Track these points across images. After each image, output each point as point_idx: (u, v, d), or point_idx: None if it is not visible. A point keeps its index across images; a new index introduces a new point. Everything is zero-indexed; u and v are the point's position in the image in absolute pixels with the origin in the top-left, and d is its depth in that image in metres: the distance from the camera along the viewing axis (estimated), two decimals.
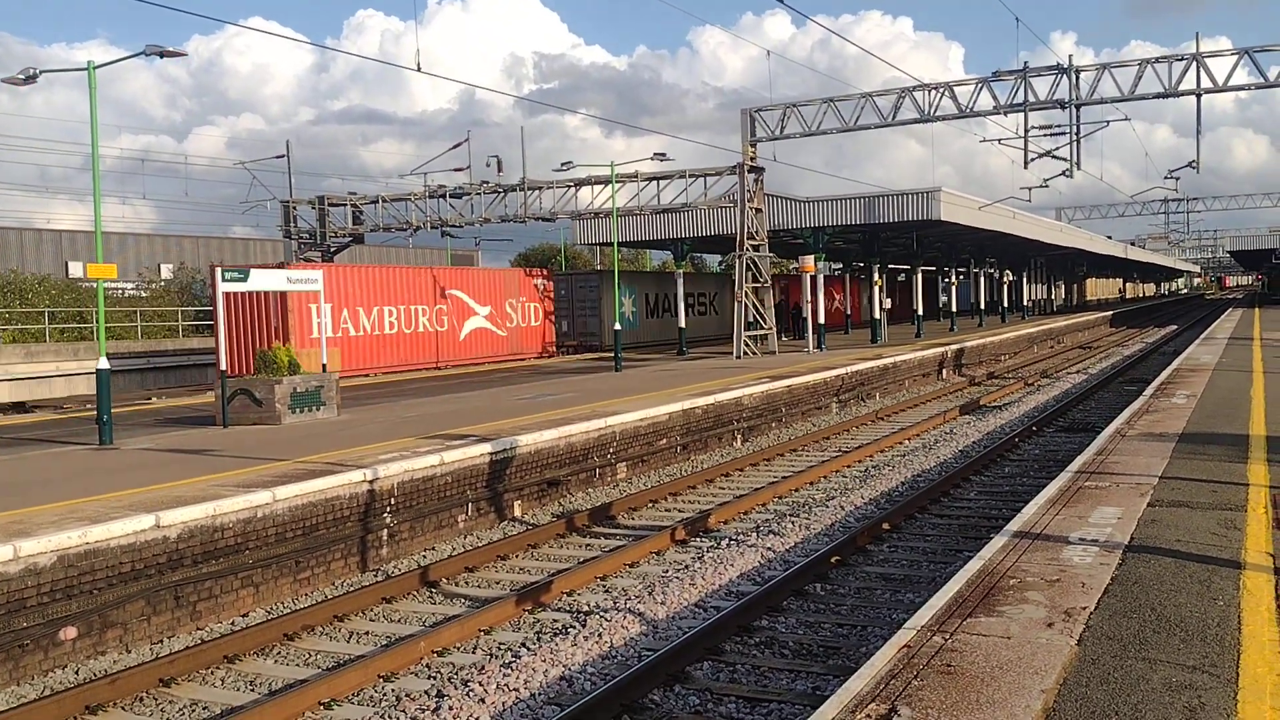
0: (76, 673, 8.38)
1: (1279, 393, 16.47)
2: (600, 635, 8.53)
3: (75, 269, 50.00)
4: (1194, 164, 29.30)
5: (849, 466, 16.59)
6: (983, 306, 54.20)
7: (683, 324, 37.66)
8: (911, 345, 33.42)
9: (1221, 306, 78.68)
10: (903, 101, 29.54)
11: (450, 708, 7.21)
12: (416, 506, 12.02)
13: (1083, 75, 27.53)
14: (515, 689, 7.52)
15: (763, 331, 32.41)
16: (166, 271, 55.33)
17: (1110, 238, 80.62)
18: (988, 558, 7.13)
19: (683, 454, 17.55)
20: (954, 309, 50.15)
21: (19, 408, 26.94)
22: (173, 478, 11.31)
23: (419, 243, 61.32)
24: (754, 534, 11.91)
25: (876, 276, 39.55)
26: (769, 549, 11.17)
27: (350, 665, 8.17)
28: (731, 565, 10.54)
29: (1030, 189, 35.12)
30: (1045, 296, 78.74)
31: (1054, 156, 28.58)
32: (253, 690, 8.04)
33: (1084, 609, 5.92)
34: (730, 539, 11.79)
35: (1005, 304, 59.62)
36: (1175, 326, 59.80)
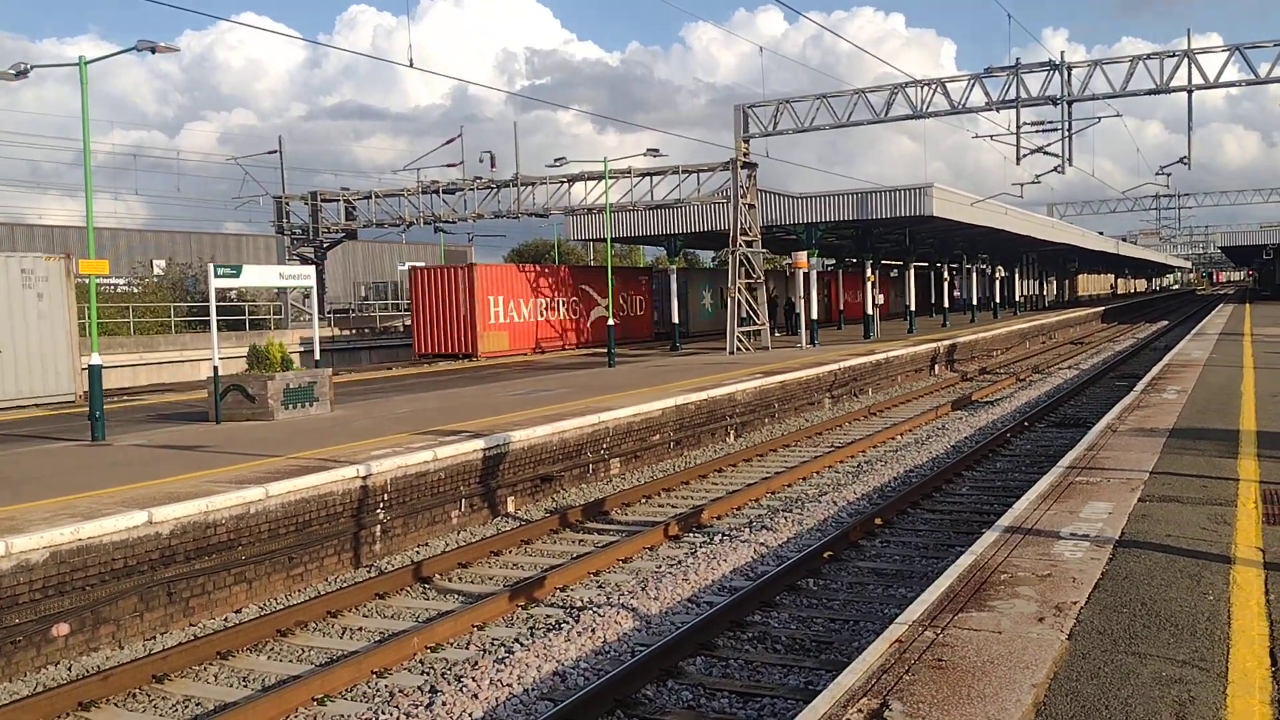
0: (69, 669, 8.37)
1: (1269, 388, 16.55)
2: (593, 630, 8.55)
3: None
4: (1185, 160, 29.41)
5: (842, 462, 16.63)
6: (975, 302, 54.30)
7: (676, 319, 37.68)
8: (904, 341, 33.48)
9: (1212, 302, 78.90)
10: (895, 97, 29.56)
11: (443, 703, 7.22)
12: (410, 502, 12.02)
13: (1074, 71, 27.57)
14: (508, 684, 7.53)
15: (756, 327, 32.44)
16: (159, 268, 55.18)
17: (1102, 234, 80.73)
18: (979, 553, 7.16)
19: (676, 449, 17.57)
20: (946, 305, 50.24)
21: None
22: (165, 474, 11.30)
23: (412, 238, 61.30)
24: (747, 529, 11.93)
25: (869, 272, 39.61)
26: (762, 544, 11.20)
27: (343, 661, 8.17)
28: (724, 560, 10.56)
29: (1022, 185, 35.14)
30: (1037, 292, 78.96)
31: (1046, 153, 28.60)
32: (246, 686, 8.04)
33: (1075, 604, 5.95)
34: (723, 534, 11.82)
35: (997, 300, 59.75)
36: (1166, 322, 59.98)
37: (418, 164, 37.06)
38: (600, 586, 10.18)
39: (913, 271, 44.11)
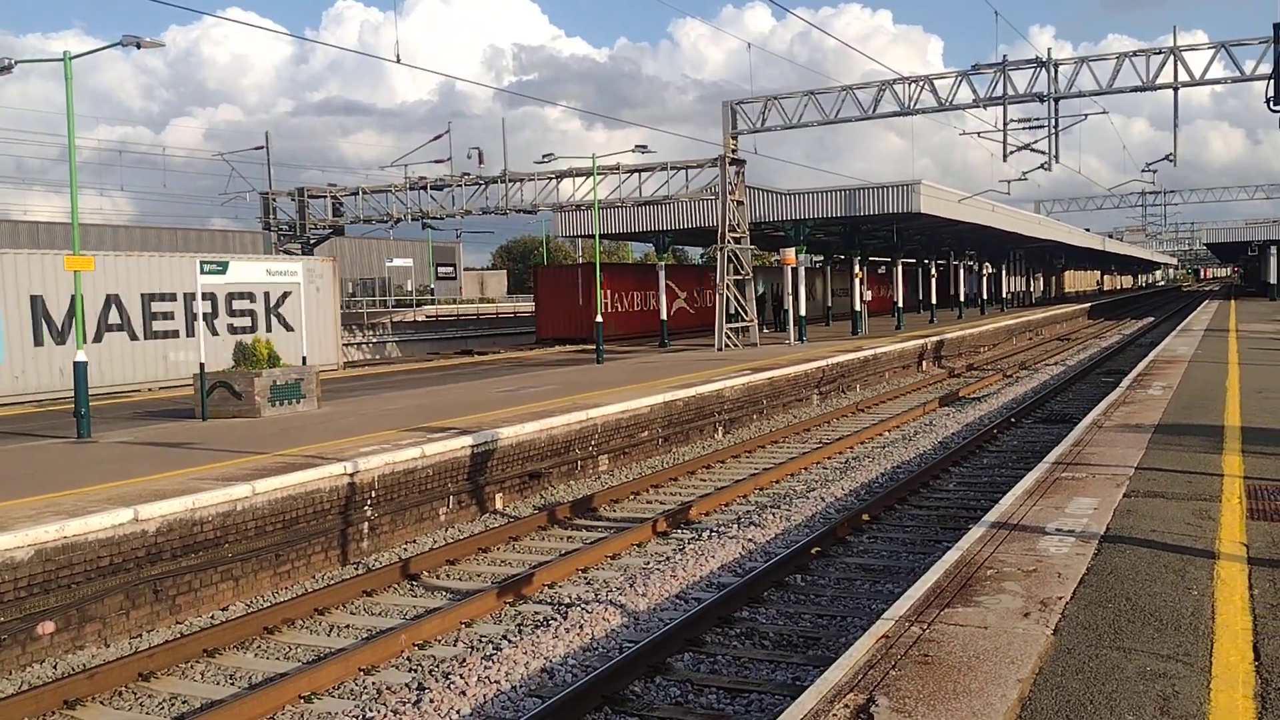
0: (54, 668, 8.33)
1: (1254, 384, 16.65)
2: (581, 627, 8.56)
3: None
4: (1171, 157, 29.51)
5: (829, 458, 16.67)
6: (962, 299, 54.45)
7: (664, 315, 37.67)
8: (891, 337, 33.55)
9: (1198, 298, 79.33)
10: (883, 94, 29.59)
11: (431, 700, 7.21)
12: (397, 499, 12.00)
13: (1061, 69, 27.63)
14: (496, 681, 7.53)
15: (744, 324, 32.46)
16: None
17: (1088, 230, 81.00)
18: (965, 548, 7.19)
19: (664, 446, 17.58)
20: (933, 301, 50.37)
21: None
22: (151, 471, 11.25)
23: (400, 235, 61.14)
24: (735, 525, 11.95)
25: (858, 269, 39.68)
26: (750, 540, 11.22)
27: (331, 658, 8.15)
28: (712, 557, 10.58)
29: (1009, 182, 35.28)
30: (1024, 289, 79.18)
31: (1033, 149, 28.67)
32: (232, 684, 8.01)
33: (1060, 599, 5.98)
34: (711, 530, 11.83)
35: (984, 296, 59.91)
36: (1152, 318, 60.28)
37: (405, 160, 36.86)
38: (589, 583, 10.19)
39: (900, 268, 44.20)
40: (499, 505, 13.60)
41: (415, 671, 8.02)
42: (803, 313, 34.44)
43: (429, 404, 17.76)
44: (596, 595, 9.53)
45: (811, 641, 8.23)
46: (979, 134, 30.15)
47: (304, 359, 18.37)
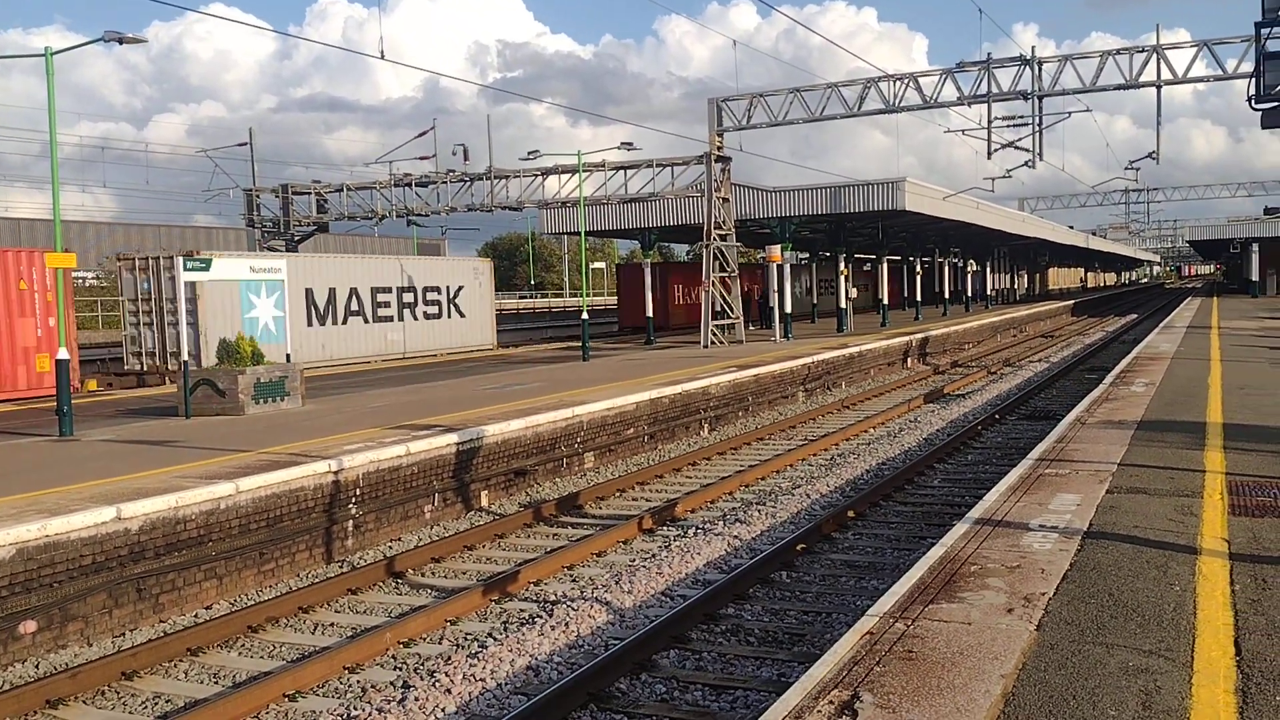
0: (37, 667, 8.28)
1: (1236, 380, 16.76)
2: (567, 625, 8.55)
3: None
4: (1154, 155, 29.68)
5: (815, 455, 16.70)
6: (947, 296, 54.63)
7: (650, 312, 37.67)
8: (877, 334, 33.64)
9: (1181, 296, 79.83)
10: (868, 92, 29.66)
11: (416, 698, 7.20)
12: (382, 497, 11.97)
13: (1045, 67, 27.75)
14: (482, 679, 7.52)
15: (730, 321, 32.49)
16: None
17: (1072, 228, 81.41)
18: (950, 545, 7.22)
19: (650, 443, 17.59)
20: (918, 298, 50.52)
21: None
22: (135, 469, 11.19)
23: (384, 231, 60.90)
24: (720, 522, 11.96)
25: (843, 266, 39.75)
26: (735, 537, 11.23)
27: (315, 657, 8.13)
28: (698, 554, 10.59)
29: (993, 179, 35.52)
30: (1008, 286, 79.46)
31: (1017, 147, 28.80)
32: (216, 683, 7.98)
33: (1043, 595, 6.01)
34: (697, 528, 11.84)
35: (969, 293, 60.11)
36: (1135, 315, 60.61)
37: (390, 157, 36.66)
38: (574, 580, 10.19)
39: (885, 265, 44.30)
40: (485, 503, 13.58)
41: (400, 670, 8.00)
42: (788, 309, 34.50)
43: (414, 401, 17.71)
44: (582, 593, 9.53)
45: (797, 638, 8.25)
46: (963, 132, 30.26)
47: (288, 356, 18.31)
